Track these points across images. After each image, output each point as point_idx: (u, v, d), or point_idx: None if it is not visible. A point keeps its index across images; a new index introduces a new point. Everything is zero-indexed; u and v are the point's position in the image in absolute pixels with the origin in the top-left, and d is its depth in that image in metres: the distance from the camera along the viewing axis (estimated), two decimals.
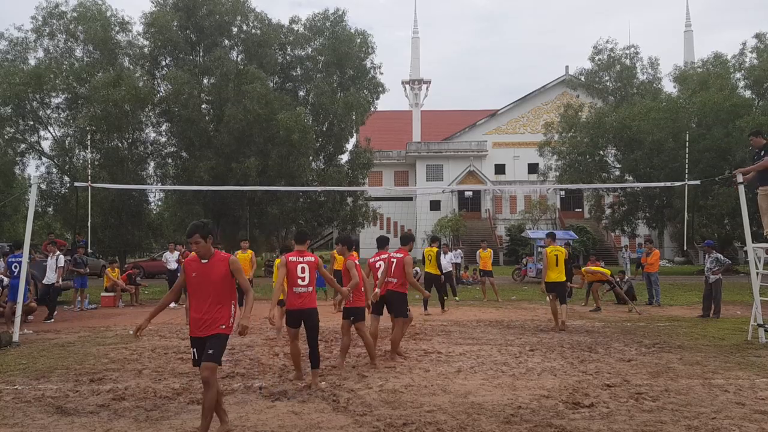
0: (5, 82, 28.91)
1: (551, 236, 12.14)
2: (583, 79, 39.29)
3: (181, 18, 31.31)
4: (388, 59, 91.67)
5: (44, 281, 13.90)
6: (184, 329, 11.75)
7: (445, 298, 16.54)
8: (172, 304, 15.89)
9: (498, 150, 50.37)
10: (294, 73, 34.69)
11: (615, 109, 34.26)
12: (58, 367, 8.06)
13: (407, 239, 9.14)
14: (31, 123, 31.59)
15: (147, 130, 32.85)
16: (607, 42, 37.19)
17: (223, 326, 5.03)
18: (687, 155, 18.67)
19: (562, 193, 46.80)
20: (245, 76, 29.71)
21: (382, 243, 8.96)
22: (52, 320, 13.32)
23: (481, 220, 47.75)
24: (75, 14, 30.77)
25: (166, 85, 31.05)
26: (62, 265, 14.04)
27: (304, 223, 35.07)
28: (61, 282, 14.30)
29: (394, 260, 8.53)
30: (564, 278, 11.48)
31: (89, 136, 24.98)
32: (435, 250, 14.60)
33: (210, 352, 4.94)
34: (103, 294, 16.96)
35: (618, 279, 16.93)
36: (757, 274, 10.07)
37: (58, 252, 14.11)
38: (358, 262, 7.90)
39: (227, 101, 29.78)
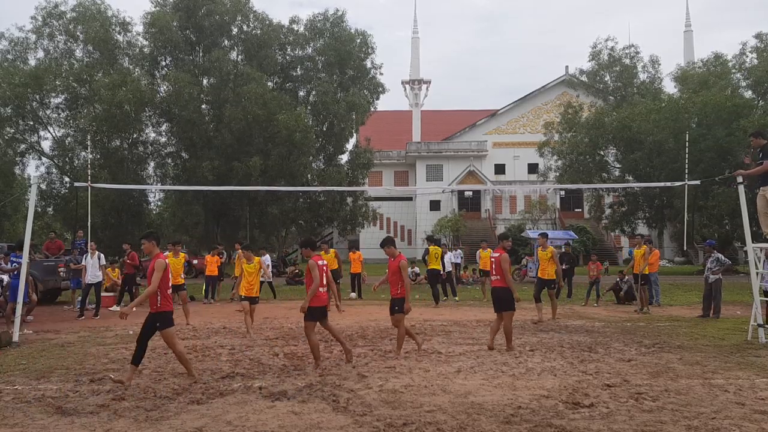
0: (5, 82, 28.94)
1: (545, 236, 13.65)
2: (584, 78, 39.26)
3: (181, 18, 31.32)
4: (388, 59, 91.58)
5: (88, 281, 14.42)
6: (184, 329, 11.75)
7: (445, 298, 17.04)
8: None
9: (498, 150, 50.35)
10: (294, 73, 34.73)
11: (615, 109, 34.24)
12: (58, 367, 8.06)
13: (504, 236, 10.20)
14: (31, 123, 31.62)
15: (147, 131, 32.91)
16: (607, 40, 37.19)
17: None
18: (687, 155, 18.66)
19: (562, 193, 46.78)
20: (243, 77, 29.72)
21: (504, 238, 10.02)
22: (98, 317, 14.08)
23: (481, 220, 47.74)
24: (74, 14, 30.78)
25: (166, 85, 31.07)
26: (104, 263, 14.66)
27: (304, 224, 35.09)
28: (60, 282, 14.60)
29: (493, 259, 9.39)
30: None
31: (89, 137, 25.03)
32: (440, 249, 16.80)
33: None
34: (104, 294, 16.95)
35: (618, 279, 16.94)
36: (757, 274, 10.08)
37: (97, 251, 14.55)
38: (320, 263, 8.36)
39: (227, 102, 29.79)
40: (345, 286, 19.11)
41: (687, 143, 19.12)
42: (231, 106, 29.21)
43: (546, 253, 12.80)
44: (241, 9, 32.50)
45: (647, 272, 14.95)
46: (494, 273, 9.44)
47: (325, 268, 8.25)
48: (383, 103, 62.56)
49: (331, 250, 16.94)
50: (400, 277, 8.76)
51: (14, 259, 12.42)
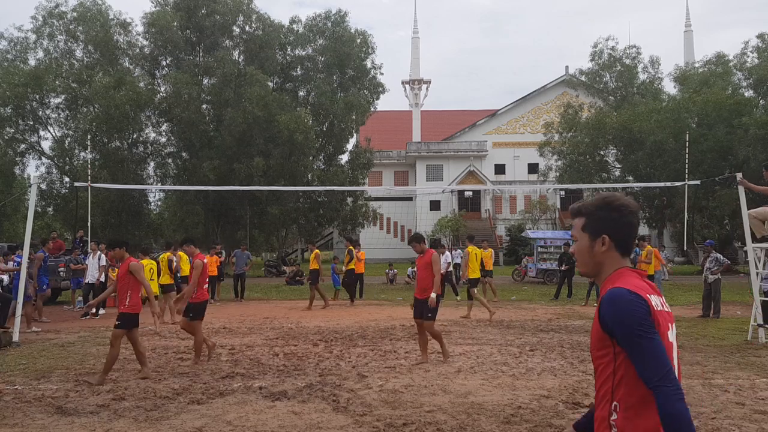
0: (5, 83, 28.95)
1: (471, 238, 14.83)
2: (584, 78, 39.21)
3: (182, 18, 31.30)
4: (389, 59, 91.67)
5: (87, 280, 14.59)
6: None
7: (442, 298, 17.04)
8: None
9: (498, 150, 50.31)
10: (294, 73, 34.71)
11: (616, 109, 34.19)
12: (58, 367, 8.06)
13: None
14: (31, 123, 31.62)
15: (147, 131, 32.92)
16: (608, 40, 37.13)
17: None
18: (687, 155, 18.62)
19: (562, 193, 46.73)
20: (245, 77, 29.72)
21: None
22: (98, 316, 14.14)
23: (481, 220, 47.70)
24: (75, 14, 30.79)
25: (166, 85, 31.06)
26: (104, 264, 14.63)
27: (304, 223, 35.12)
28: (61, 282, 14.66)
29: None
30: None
31: (89, 137, 25.05)
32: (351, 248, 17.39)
33: None
34: None
35: None
36: (757, 274, 10.07)
37: (99, 251, 14.57)
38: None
39: (227, 103, 29.80)
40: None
41: (687, 143, 19.10)
42: (232, 108, 29.21)
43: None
44: (242, 9, 32.48)
45: (652, 272, 14.97)
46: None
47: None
48: (383, 103, 62.60)
49: (315, 251, 16.38)
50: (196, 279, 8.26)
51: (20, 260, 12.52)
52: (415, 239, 8.55)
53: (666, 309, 2.05)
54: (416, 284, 8.47)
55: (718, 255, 13.59)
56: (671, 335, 2.01)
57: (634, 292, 1.95)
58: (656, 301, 2.01)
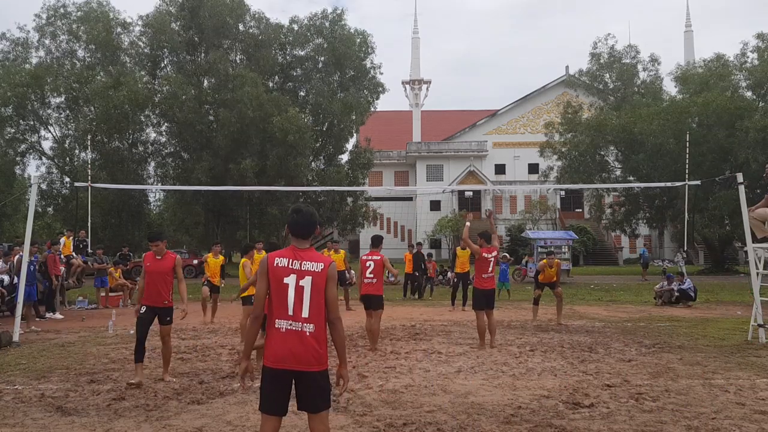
0: (6, 82, 28.96)
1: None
2: (584, 79, 39.13)
3: (185, 18, 31.29)
4: (388, 59, 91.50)
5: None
6: (183, 329, 11.73)
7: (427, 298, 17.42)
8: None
9: (498, 150, 50.34)
10: (294, 73, 34.64)
11: (616, 109, 34.10)
12: (58, 367, 8.06)
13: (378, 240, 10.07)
14: (32, 123, 31.63)
15: (147, 131, 32.91)
16: (607, 39, 36.96)
17: None
18: (687, 156, 18.62)
19: (562, 193, 46.72)
20: (238, 78, 29.63)
21: (376, 242, 9.82)
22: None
23: (481, 220, 47.68)
24: (80, 14, 30.83)
25: (165, 86, 31.09)
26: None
27: None
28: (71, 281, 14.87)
29: (373, 262, 9.47)
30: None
31: (89, 137, 25.04)
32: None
33: None
34: (111, 294, 17.02)
35: (665, 283, 16.90)
36: (757, 274, 10.07)
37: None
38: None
39: (225, 103, 29.78)
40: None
41: (687, 144, 19.09)
42: (225, 108, 29.19)
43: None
44: (243, 9, 32.43)
45: None
46: (373, 276, 9.29)
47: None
48: (383, 103, 62.35)
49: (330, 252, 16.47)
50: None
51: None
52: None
53: (293, 267, 3.64)
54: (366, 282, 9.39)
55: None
56: (288, 279, 3.60)
57: (268, 255, 3.65)
58: (281, 261, 3.67)
